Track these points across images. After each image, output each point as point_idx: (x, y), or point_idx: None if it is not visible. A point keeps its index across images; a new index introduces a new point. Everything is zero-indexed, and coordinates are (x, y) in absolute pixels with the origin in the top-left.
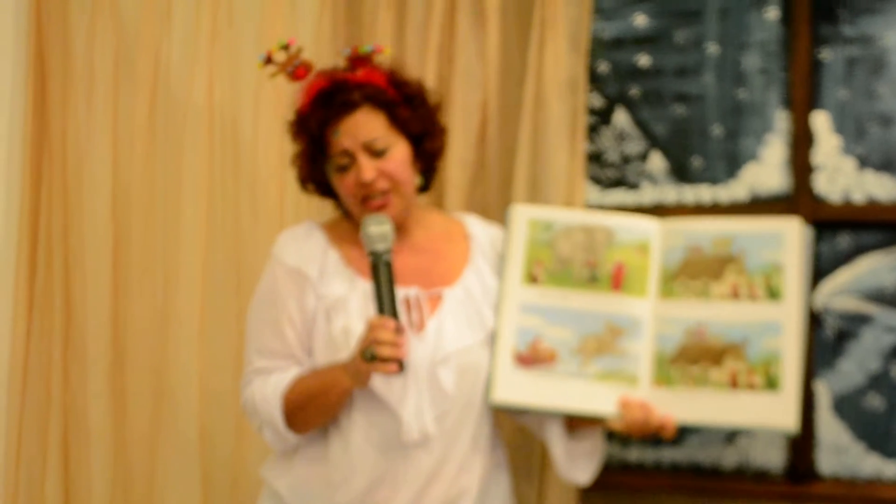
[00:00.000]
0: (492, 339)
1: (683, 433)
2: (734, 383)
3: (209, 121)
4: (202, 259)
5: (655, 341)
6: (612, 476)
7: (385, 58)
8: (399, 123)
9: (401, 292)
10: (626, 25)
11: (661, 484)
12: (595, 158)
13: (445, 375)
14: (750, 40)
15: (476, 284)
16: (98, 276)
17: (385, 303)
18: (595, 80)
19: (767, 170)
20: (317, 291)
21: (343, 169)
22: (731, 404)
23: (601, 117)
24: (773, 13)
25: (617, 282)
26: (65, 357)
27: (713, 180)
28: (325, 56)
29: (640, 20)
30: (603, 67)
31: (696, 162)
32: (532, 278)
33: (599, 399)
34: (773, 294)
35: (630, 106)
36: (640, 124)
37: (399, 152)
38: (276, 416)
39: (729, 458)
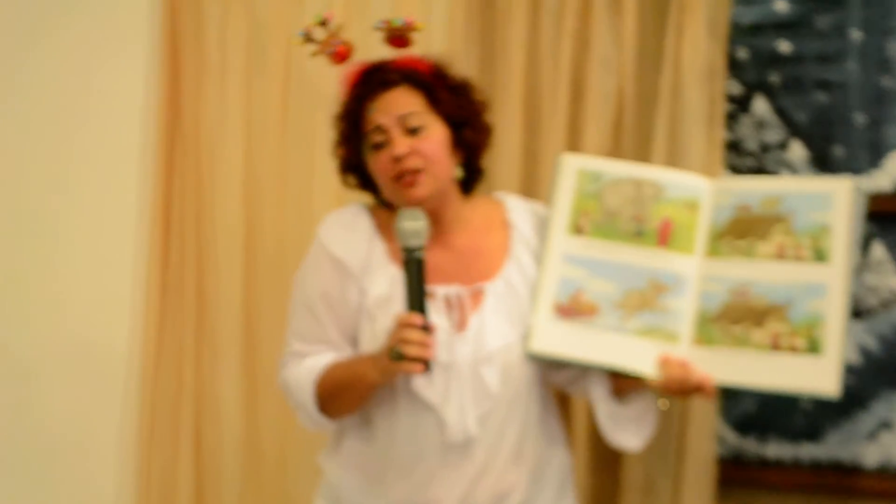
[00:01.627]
0: (533, 288)
1: (824, 430)
2: (776, 345)
3: None
4: None
5: (699, 299)
6: (750, 472)
7: (420, 36)
8: (437, 105)
9: (441, 290)
10: (767, 10)
11: (800, 481)
12: (733, 147)
13: (489, 374)
14: (895, 26)
15: (517, 276)
16: (230, 264)
17: (414, 300)
18: (734, 66)
19: None
20: (359, 285)
21: (378, 147)
22: (771, 366)
23: (740, 105)
24: None
25: (663, 238)
26: (197, 343)
27: (855, 170)
28: (458, 43)
29: (781, 5)
30: (742, 54)
31: (838, 151)
32: (578, 229)
33: (638, 355)
34: (820, 256)
35: (770, 93)
36: (780, 112)
37: (435, 133)
38: (309, 401)
39: (871, 455)
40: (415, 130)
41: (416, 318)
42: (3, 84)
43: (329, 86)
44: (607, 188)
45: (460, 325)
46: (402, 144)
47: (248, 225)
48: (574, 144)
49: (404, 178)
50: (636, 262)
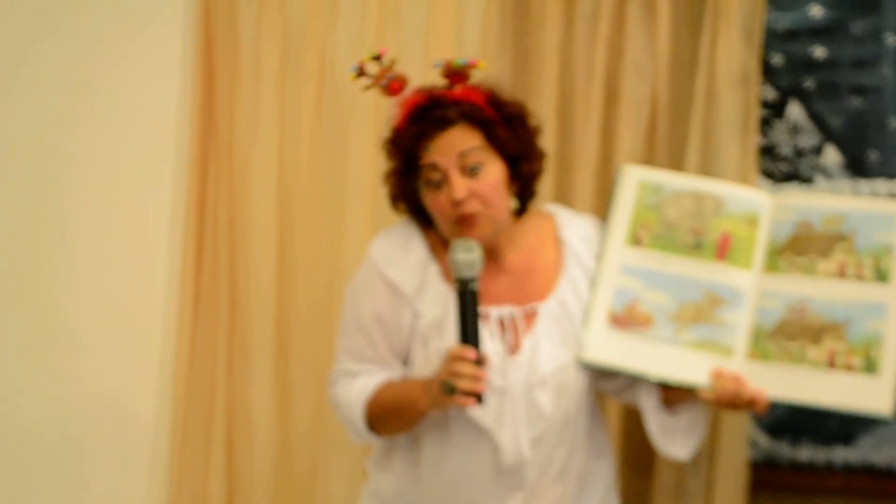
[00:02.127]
0: (588, 298)
1: (857, 433)
2: (832, 363)
3: (375, 116)
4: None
5: (755, 314)
6: (783, 475)
7: (484, 74)
8: (495, 143)
9: (494, 312)
10: (801, 16)
11: (833, 485)
12: (767, 152)
13: (543, 398)
14: None
15: (570, 296)
16: (263, 269)
17: (468, 332)
18: (768, 72)
19: None
20: (413, 308)
21: (434, 186)
22: (826, 384)
23: (774, 110)
24: None
25: (722, 251)
26: (229, 348)
27: (890, 174)
28: (492, 48)
29: (816, 10)
30: (776, 59)
31: (873, 156)
32: (636, 240)
33: (692, 367)
34: (882, 276)
35: (804, 98)
36: (815, 117)
37: (493, 173)
38: (358, 421)
39: None
40: (473, 170)
41: (470, 352)
42: (39, 87)
43: (362, 92)
44: (667, 200)
45: (514, 347)
46: (460, 188)
47: (281, 231)
48: (607, 150)
49: (464, 223)
50: (693, 274)
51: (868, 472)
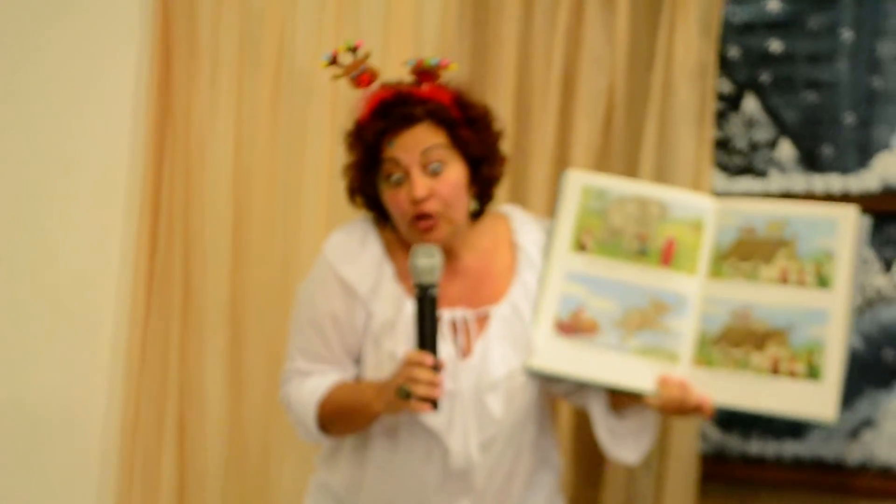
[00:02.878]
0: (534, 304)
1: (806, 427)
2: (775, 369)
3: (332, 102)
4: (322, 240)
5: (700, 321)
6: (733, 468)
7: (453, 75)
8: (459, 143)
9: (447, 315)
10: (759, 10)
11: (783, 478)
12: (722, 145)
13: (493, 402)
14: (886, 26)
15: (523, 300)
16: (217, 255)
17: (426, 338)
18: (725, 65)
19: None
20: (366, 308)
21: (395, 183)
22: (770, 390)
23: (730, 103)
24: None
25: (667, 257)
26: (182, 334)
27: (844, 169)
28: (450, 38)
29: (773, 5)
30: (733, 52)
31: (827, 150)
32: (580, 246)
33: (638, 374)
34: (823, 282)
35: (760, 92)
36: (770, 111)
37: (454, 173)
38: (309, 421)
39: (854, 453)
40: (435, 169)
41: (427, 358)
42: None
43: (320, 78)
44: (612, 206)
45: (465, 350)
46: (421, 186)
47: (237, 217)
48: (564, 141)
49: (421, 222)
50: (638, 281)
51: (817, 466)
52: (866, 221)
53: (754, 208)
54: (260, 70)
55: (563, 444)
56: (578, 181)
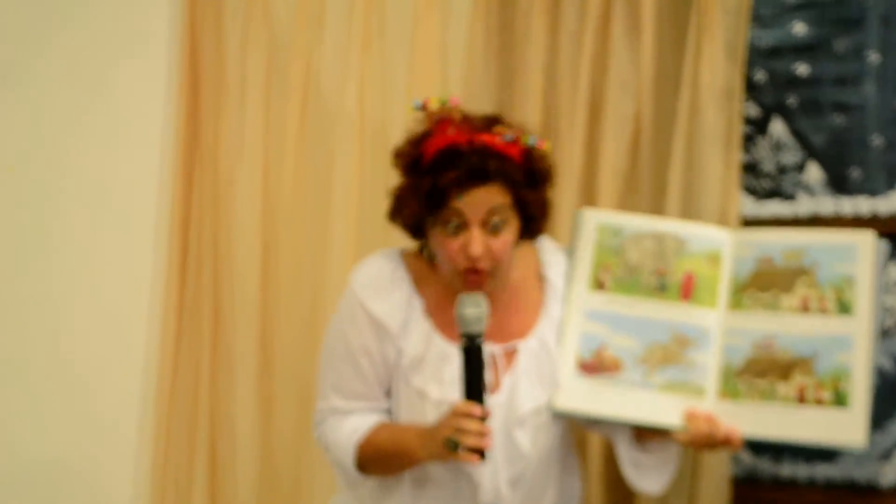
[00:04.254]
0: (556, 345)
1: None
2: (802, 398)
3: (360, 129)
4: (351, 267)
5: (723, 353)
6: (764, 491)
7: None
8: (520, 205)
9: None
10: (785, 33)
11: (815, 500)
12: (750, 169)
13: (521, 437)
14: None
15: (550, 335)
16: (247, 283)
17: (473, 388)
18: (751, 88)
19: None
20: (396, 344)
21: (451, 230)
22: (798, 419)
23: (757, 127)
24: None
25: (686, 292)
26: (213, 363)
27: (872, 192)
28: (476, 64)
29: (799, 28)
30: (760, 76)
31: (855, 173)
32: (599, 284)
33: (664, 410)
34: (845, 308)
35: (787, 115)
36: (797, 134)
37: (510, 233)
38: (348, 463)
39: (887, 475)
40: (495, 228)
41: (475, 409)
42: (23, 99)
43: (348, 105)
44: (628, 243)
45: (494, 385)
46: (479, 244)
47: (265, 244)
48: (591, 166)
49: (471, 275)
50: (659, 316)
51: (849, 488)
52: (884, 245)
53: (770, 238)
54: (287, 97)
55: (595, 467)
56: (593, 219)
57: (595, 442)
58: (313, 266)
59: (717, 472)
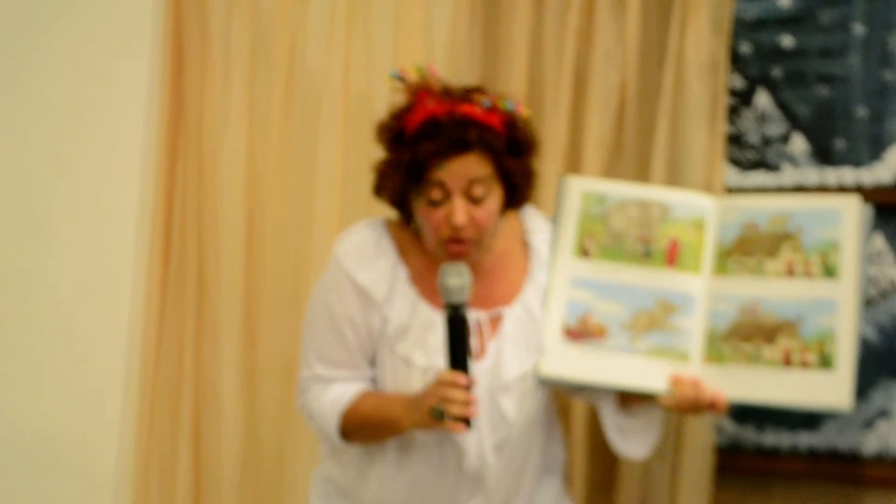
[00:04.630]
0: (542, 312)
1: (822, 418)
2: (787, 361)
3: (344, 105)
4: (335, 240)
5: (708, 318)
6: (747, 460)
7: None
8: (503, 174)
9: None
10: (770, 5)
11: (798, 469)
12: (735, 140)
13: (507, 403)
14: None
15: (535, 301)
16: (231, 257)
17: (458, 357)
18: (736, 60)
19: None
20: (382, 313)
21: (434, 203)
22: (783, 382)
23: (742, 98)
24: None
25: (671, 258)
26: (197, 334)
27: (856, 162)
28: (461, 38)
29: (784, 0)
30: (745, 48)
31: (840, 144)
32: (583, 252)
33: (650, 375)
34: (830, 272)
35: (772, 87)
36: (782, 106)
37: (494, 202)
38: (332, 430)
39: (869, 443)
40: (477, 198)
41: (461, 378)
42: (6, 78)
43: (332, 82)
44: (613, 210)
45: (479, 352)
46: (461, 213)
47: (250, 219)
48: (576, 139)
49: (454, 245)
50: (644, 283)
51: (833, 457)
52: (869, 210)
53: (755, 204)
54: (271, 73)
55: (578, 435)
56: (577, 187)
57: (579, 409)
58: (297, 238)
59: (700, 442)
